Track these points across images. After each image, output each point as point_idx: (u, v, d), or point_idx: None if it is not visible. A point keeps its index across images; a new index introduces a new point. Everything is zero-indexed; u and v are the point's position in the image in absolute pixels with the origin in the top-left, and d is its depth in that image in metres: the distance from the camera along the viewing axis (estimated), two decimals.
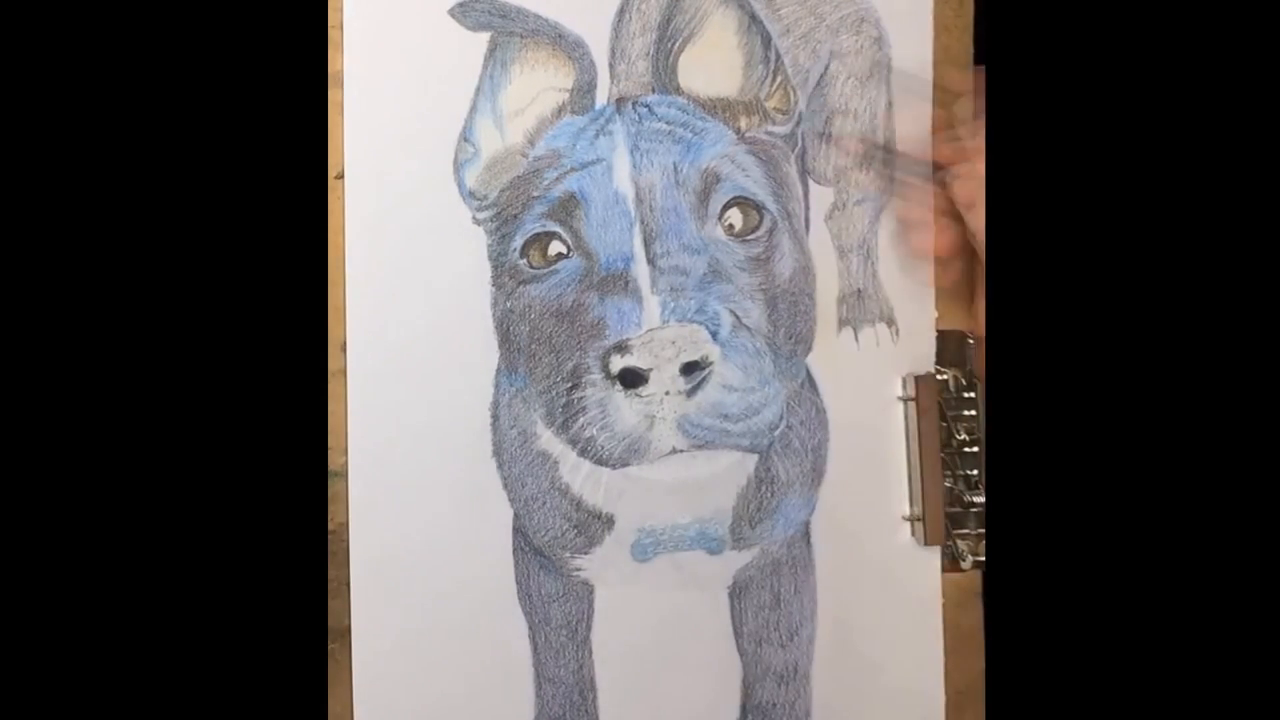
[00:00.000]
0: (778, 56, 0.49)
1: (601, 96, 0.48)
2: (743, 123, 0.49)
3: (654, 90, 0.48)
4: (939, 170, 0.49)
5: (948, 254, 0.49)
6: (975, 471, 0.50)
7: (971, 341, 0.50)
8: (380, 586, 0.47)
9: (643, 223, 0.47)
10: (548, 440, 0.48)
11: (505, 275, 0.48)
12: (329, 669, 0.47)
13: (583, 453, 0.47)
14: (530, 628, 0.48)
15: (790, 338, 0.49)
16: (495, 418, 0.48)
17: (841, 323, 0.50)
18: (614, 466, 0.47)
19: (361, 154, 0.47)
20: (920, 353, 0.50)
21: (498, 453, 0.48)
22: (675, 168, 0.47)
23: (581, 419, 0.46)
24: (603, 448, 0.46)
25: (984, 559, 0.50)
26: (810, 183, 0.50)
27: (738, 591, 0.50)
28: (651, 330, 0.46)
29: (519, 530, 0.48)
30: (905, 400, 0.50)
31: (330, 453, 0.47)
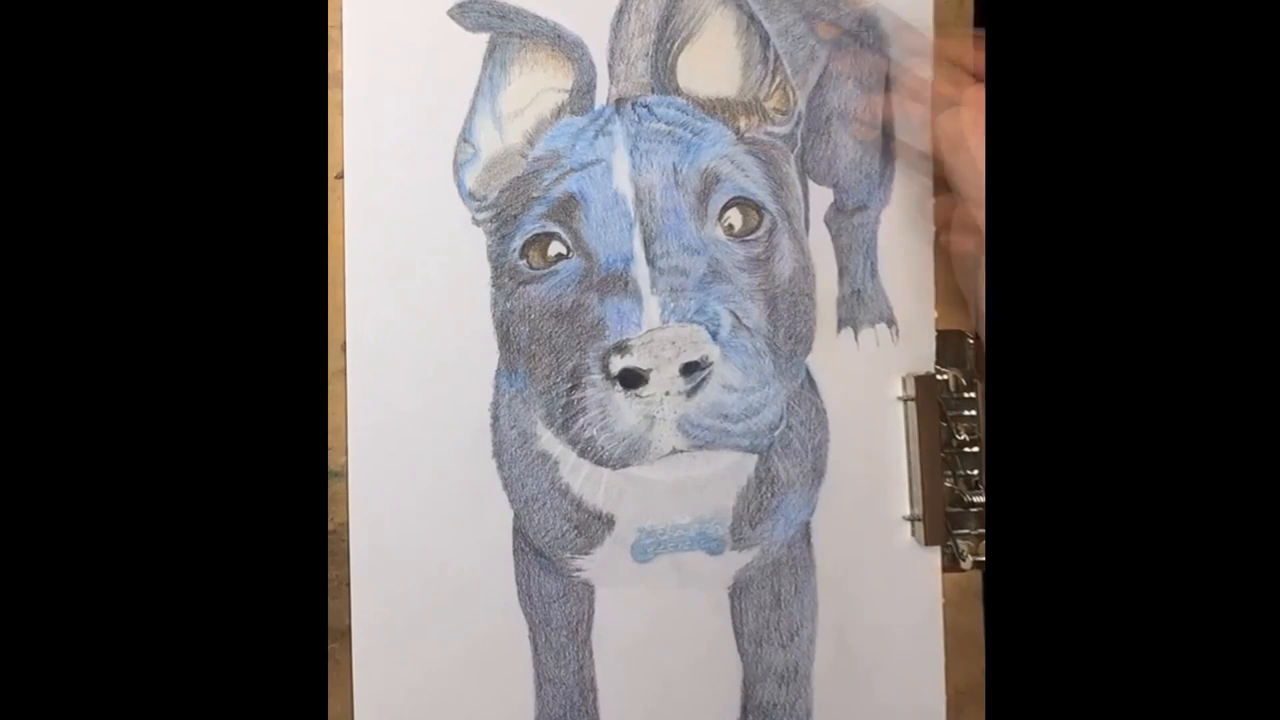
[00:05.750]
0: (776, 56, 0.49)
1: (601, 97, 0.48)
2: (742, 123, 0.49)
3: (653, 91, 0.48)
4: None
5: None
6: (975, 471, 0.50)
7: (971, 341, 0.50)
8: (380, 586, 0.47)
9: (642, 223, 0.47)
10: (548, 441, 0.48)
11: (505, 276, 0.48)
12: (329, 669, 0.47)
13: (583, 453, 0.47)
14: (531, 628, 0.48)
15: (790, 338, 0.49)
16: (495, 418, 0.48)
17: (841, 323, 0.50)
18: (614, 467, 0.47)
19: (361, 154, 0.47)
20: (920, 352, 0.50)
21: (498, 453, 0.48)
22: (675, 168, 0.47)
23: (581, 419, 0.46)
24: (603, 448, 0.46)
25: (984, 559, 0.50)
26: (810, 183, 0.50)
27: (738, 592, 0.50)
28: (651, 331, 0.46)
29: (519, 531, 0.48)
30: (905, 400, 0.50)
31: (330, 453, 0.47)
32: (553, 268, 0.47)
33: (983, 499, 0.50)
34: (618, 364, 0.45)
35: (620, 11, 0.48)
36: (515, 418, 0.48)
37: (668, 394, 0.45)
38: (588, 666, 0.49)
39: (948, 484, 0.50)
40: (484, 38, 0.48)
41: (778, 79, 0.49)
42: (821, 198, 0.50)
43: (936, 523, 0.49)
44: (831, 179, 0.50)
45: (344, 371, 0.47)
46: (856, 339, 0.50)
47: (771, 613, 0.49)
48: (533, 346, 0.47)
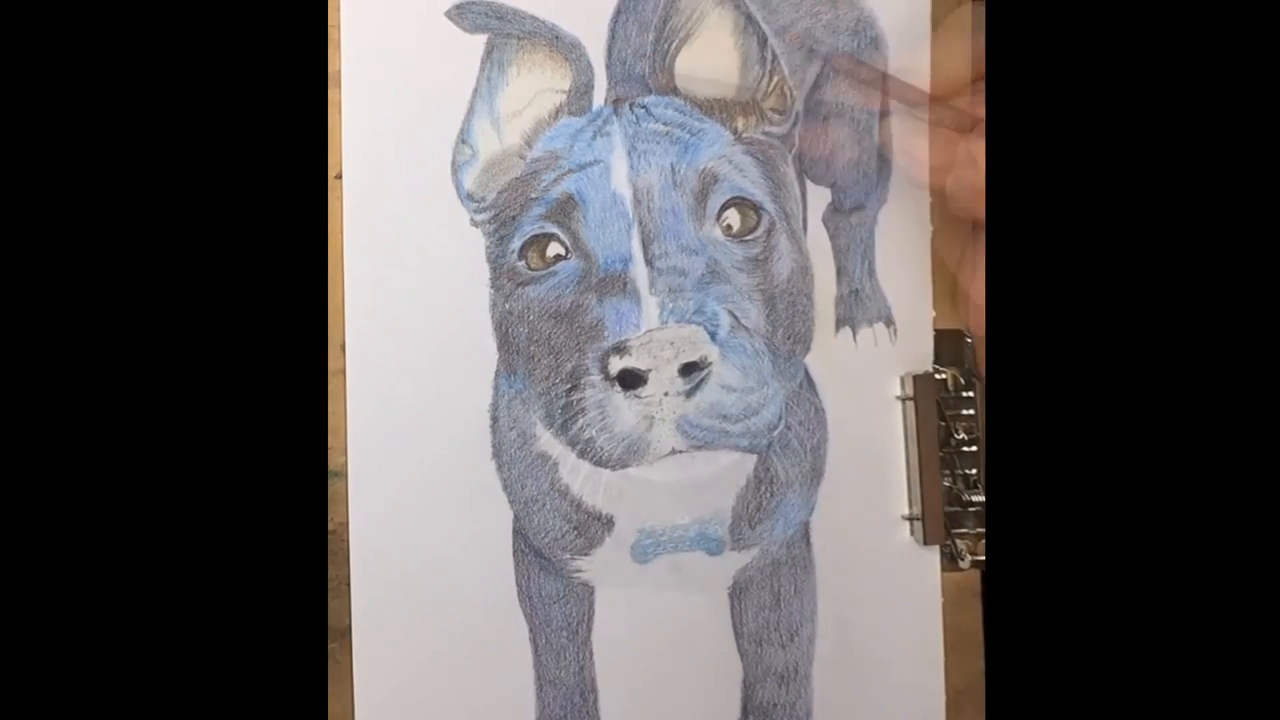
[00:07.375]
0: (774, 57, 0.49)
1: (599, 98, 0.48)
2: (740, 123, 0.49)
3: (651, 91, 0.48)
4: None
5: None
6: (974, 471, 0.50)
7: (970, 341, 0.50)
8: (380, 586, 0.47)
9: (641, 224, 0.47)
10: (547, 442, 0.48)
11: (504, 277, 0.48)
12: (329, 669, 0.47)
13: (582, 454, 0.47)
14: (531, 629, 0.48)
15: (789, 338, 0.49)
16: (494, 419, 0.48)
17: (840, 322, 0.50)
18: (613, 468, 0.47)
19: (359, 155, 0.47)
20: (918, 352, 0.50)
21: (497, 454, 0.48)
22: (673, 169, 0.47)
23: (581, 420, 0.46)
24: (602, 449, 0.46)
25: (983, 558, 0.50)
26: (807, 183, 0.50)
27: (738, 592, 0.50)
28: (650, 331, 0.46)
29: (519, 532, 0.48)
30: (904, 400, 0.50)
31: (330, 453, 0.47)
32: (551, 269, 0.47)
33: (981, 498, 0.50)
34: (616, 365, 0.45)
35: (618, 12, 0.48)
36: (514, 419, 0.48)
37: (667, 394, 0.45)
38: (588, 667, 0.49)
39: (946, 483, 0.50)
40: (482, 39, 0.48)
41: (775, 79, 0.49)
42: (819, 198, 0.50)
43: (935, 522, 0.49)
44: (829, 179, 0.50)
45: (344, 371, 0.47)
46: (855, 339, 0.50)
47: (771, 613, 0.50)
48: (532, 348, 0.47)
